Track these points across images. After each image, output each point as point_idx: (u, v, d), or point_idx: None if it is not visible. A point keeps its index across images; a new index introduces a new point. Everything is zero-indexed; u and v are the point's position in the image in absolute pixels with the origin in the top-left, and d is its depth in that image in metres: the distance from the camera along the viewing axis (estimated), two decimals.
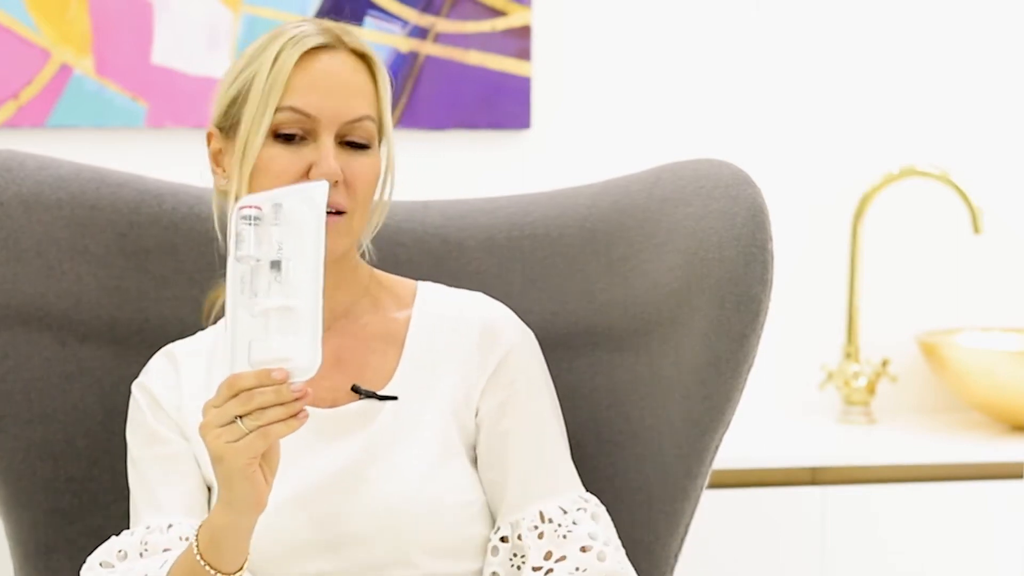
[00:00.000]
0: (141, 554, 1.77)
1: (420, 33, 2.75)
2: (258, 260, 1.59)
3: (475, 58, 2.77)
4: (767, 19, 2.89)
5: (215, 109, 1.82)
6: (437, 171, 2.79)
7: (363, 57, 1.81)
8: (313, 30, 1.79)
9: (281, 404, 1.56)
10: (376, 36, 2.74)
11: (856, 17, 2.92)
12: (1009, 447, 2.70)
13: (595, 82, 2.85)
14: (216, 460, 1.59)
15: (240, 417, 1.56)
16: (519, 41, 2.78)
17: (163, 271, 2.05)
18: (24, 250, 1.99)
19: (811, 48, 2.91)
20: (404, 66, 2.75)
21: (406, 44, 2.75)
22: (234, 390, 1.56)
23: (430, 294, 1.88)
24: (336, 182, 1.74)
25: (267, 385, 1.56)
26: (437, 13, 2.75)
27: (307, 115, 1.76)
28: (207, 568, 1.64)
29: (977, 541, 2.67)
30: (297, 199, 1.60)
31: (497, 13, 2.77)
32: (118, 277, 2.04)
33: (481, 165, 2.81)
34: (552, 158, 2.83)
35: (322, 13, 2.71)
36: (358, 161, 1.78)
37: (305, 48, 1.77)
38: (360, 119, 1.78)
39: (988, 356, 2.78)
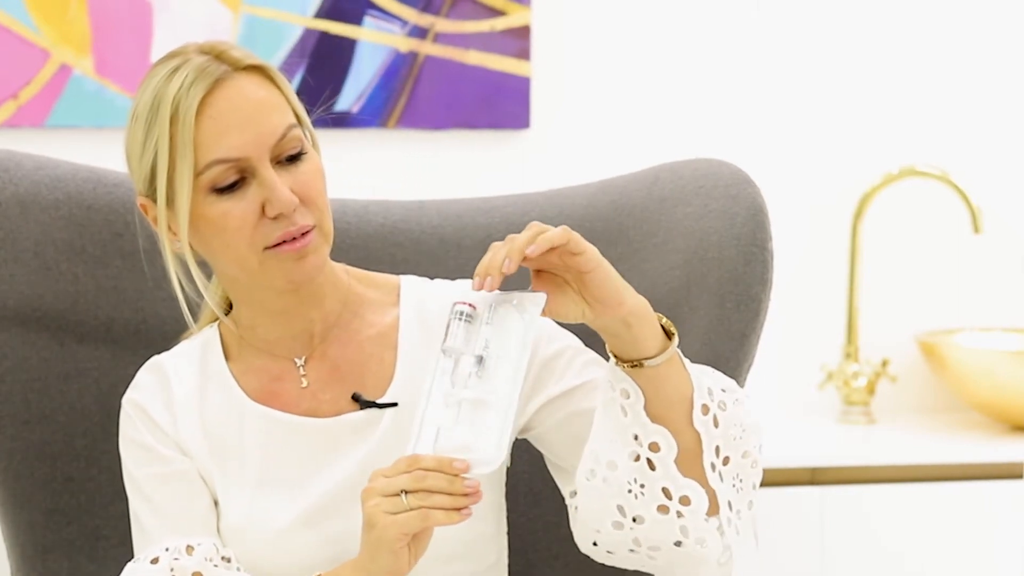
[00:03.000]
0: None
1: (419, 33, 2.75)
2: (463, 354, 1.63)
3: (475, 58, 2.77)
4: (767, 19, 2.89)
5: (136, 181, 1.75)
6: (437, 171, 2.79)
7: (256, 68, 1.73)
8: (194, 71, 1.70)
9: (450, 495, 1.57)
10: (376, 36, 2.74)
11: (856, 17, 2.92)
12: (1009, 447, 2.70)
13: (594, 82, 2.85)
14: (367, 526, 1.60)
15: (406, 492, 1.58)
16: (519, 41, 2.78)
17: (160, 271, 2.04)
18: (21, 251, 1.99)
19: (811, 48, 2.91)
20: (404, 66, 2.75)
21: (406, 44, 2.75)
22: (411, 467, 1.58)
23: (414, 289, 1.85)
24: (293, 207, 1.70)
25: (444, 472, 1.58)
26: (437, 13, 2.75)
27: (235, 159, 1.69)
28: None
29: (977, 541, 2.66)
30: (512, 306, 1.64)
31: (497, 13, 2.77)
32: (115, 277, 2.04)
33: (481, 165, 2.81)
34: (551, 158, 2.83)
35: (321, 13, 2.71)
36: (301, 172, 1.72)
37: (197, 99, 1.68)
38: (285, 133, 1.71)
39: (988, 356, 2.78)
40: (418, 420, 1.62)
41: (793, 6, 2.89)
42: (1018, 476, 2.68)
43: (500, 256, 1.59)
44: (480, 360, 1.63)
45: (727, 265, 1.94)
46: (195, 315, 1.87)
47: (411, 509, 1.58)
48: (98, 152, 2.53)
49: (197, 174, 1.69)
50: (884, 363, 2.88)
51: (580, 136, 2.84)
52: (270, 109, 1.72)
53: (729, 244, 1.94)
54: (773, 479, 2.60)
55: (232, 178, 1.70)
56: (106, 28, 2.66)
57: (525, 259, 1.60)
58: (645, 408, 1.65)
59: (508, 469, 1.86)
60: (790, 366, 2.92)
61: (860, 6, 2.92)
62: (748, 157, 2.78)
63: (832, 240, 2.93)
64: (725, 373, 1.94)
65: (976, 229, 2.78)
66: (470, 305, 1.64)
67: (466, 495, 1.58)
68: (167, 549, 1.75)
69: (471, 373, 1.62)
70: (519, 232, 1.61)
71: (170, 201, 1.72)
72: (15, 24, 2.64)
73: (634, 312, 1.63)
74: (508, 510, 1.91)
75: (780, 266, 2.65)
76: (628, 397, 1.66)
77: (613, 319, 1.63)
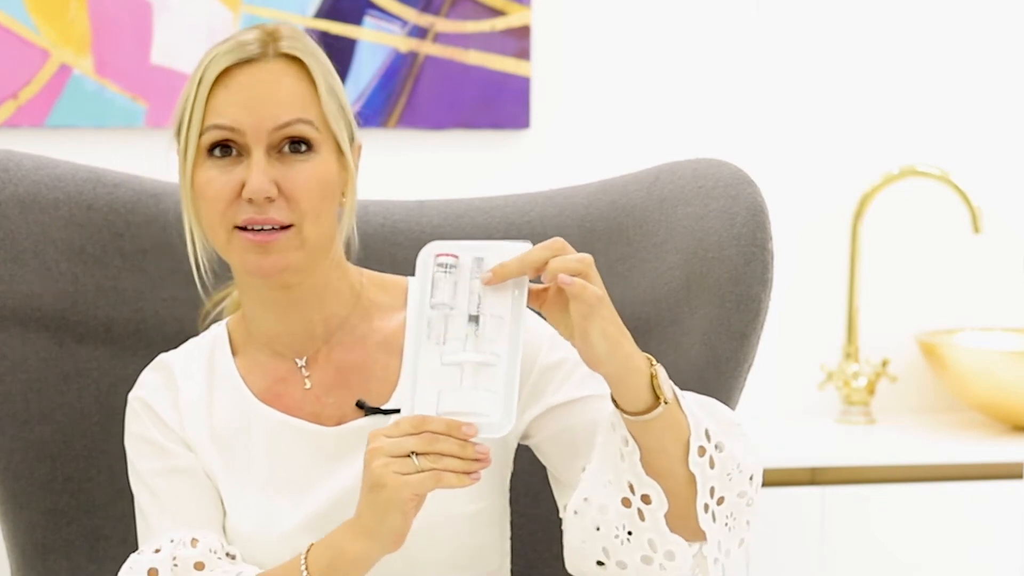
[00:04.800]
0: (171, 569, 1.73)
1: (419, 33, 2.75)
2: (452, 309, 1.60)
3: (475, 58, 2.77)
4: (767, 19, 2.89)
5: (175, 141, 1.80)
6: (437, 171, 2.79)
7: (295, 60, 1.74)
8: (237, 44, 1.73)
9: (461, 459, 1.57)
10: (375, 36, 2.74)
11: (856, 17, 2.92)
12: (1009, 447, 2.70)
13: (594, 82, 2.85)
14: (375, 487, 1.58)
15: (416, 454, 1.57)
16: (519, 41, 2.78)
17: (160, 271, 2.05)
18: (21, 250, 1.99)
19: (811, 48, 2.91)
20: (404, 66, 2.75)
21: (405, 44, 2.75)
22: (419, 429, 1.57)
23: None
24: (270, 198, 1.70)
25: (454, 436, 1.57)
26: (436, 13, 2.75)
27: (232, 129, 1.71)
28: None
29: (977, 541, 2.66)
30: (499, 256, 1.60)
31: (497, 13, 2.77)
32: (115, 277, 2.04)
33: (480, 165, 2.81)
34: (551, 158, 2.83)
35: (321, 13, 2.71)
36: (297, 169, 1.72)
37: (223, 66, 1.72)
38: (288, 124, 1.71)
39: (988, 356, 2.78)
40: (410, 376, 1.60)
41: (793, 6, 2.89)
42: (1018, 476, 2.68)
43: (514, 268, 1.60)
44: (474, 319, 1.60)
45: (727, 265, 1.94)
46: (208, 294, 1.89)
47: (422, 471, 1.56)
48: (98, 152, 2.54)
49: (200, 134, 1.73)
50: (884, 363, 2.88)
51: (580, 136, 2.85)
52: (285, 98, 1.73)
53: (729, 244, 1.94)
54: (773, 479, 2.60)
55: (227, 143, 1.72)
56: (106, 28, 2.66)
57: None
58: (641, 458, 1.65)
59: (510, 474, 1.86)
60: (790, 366, 2.92)
61: (860, 6, 2.92)
62: (748, 157, 2.78)
63: (832, 240, 2.93)
64: (725, 373, 1.94)
65: (976, 229, 2.78)
66: (452, 256, 1.61)
67: (477, 460, 1.57)
68: (171, 540, 1.75)
69: (467, 334, 1.60)
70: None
71: (183, 158, 1.75)
72: (15, 24, 2.64)
73: (613, 377, 1.61)
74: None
75: (780, 266, 2.65)
76: (627, 445, 1.65)
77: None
